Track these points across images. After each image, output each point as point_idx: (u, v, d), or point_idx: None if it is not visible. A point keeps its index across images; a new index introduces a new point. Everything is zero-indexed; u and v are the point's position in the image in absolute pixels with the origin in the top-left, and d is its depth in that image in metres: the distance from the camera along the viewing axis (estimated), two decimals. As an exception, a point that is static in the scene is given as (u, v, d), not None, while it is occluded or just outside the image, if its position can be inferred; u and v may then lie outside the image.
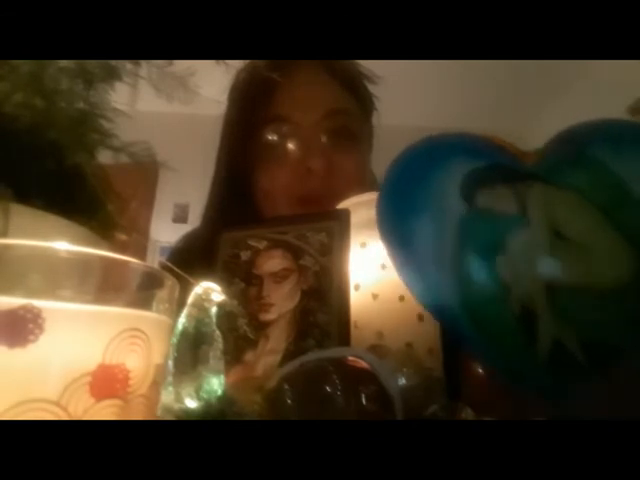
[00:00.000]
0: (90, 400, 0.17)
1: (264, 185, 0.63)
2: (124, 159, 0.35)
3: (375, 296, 0.44)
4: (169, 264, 0.31)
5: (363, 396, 0.27)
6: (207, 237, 0.57)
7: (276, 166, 0.61)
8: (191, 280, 0.36)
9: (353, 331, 0.41)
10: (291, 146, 0.59)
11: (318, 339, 0.40)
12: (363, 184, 0.59)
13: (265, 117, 0.59)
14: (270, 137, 0.60)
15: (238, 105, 0.64)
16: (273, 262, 0.45)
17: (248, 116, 0.61)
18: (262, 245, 0.47)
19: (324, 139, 0.60)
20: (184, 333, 0.36)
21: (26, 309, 0.16)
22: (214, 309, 0.38)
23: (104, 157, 0.34)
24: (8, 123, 0.28)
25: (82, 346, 0.17)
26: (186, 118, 2.12)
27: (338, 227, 0.45)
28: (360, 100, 0.64)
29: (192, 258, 0.48)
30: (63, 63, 0.32)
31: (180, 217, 2.49)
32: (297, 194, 0.60)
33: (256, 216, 0.63)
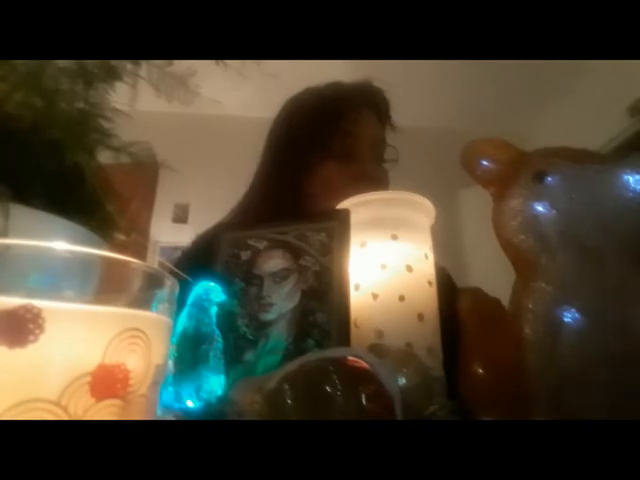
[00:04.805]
0: (90, 400, 0.17)
1: (321, 183, 0.75)
2: (124, 159, 0.35)
3: (375, 296, 0.44)
4: (169, 264, 0.31)
5: (363, 396, 0.27)
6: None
7: (336, 169, 0.75)
8: (190, 280, 0.36)
9: (353, 330, 0.41)
10: (352, 156, 0.76)
11: (318, 339, 0.40)
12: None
13: (338, 130, 0.76)
14: (338, 146, 0.76)
15: (317, 113, 0.78)
16: (273, 262, 0.45)
17: (327, 125, 0.76)
18: (262, 245, 0.47)
19: (375, 158, 0.79)
20: (184, 333, 0.36)
21: (26, 309, 0.16)
22: (214, 309, 0.39)
23: (104, 157, 0.34)
24: (8, 123, 0.28)
25: (82, 346, 0.17)
26: (186, 118, 2.13)
27: (338, 227, 0.45)
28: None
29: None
30: (63, 63, 0.32)
31: (180, 217, 2.48)
32: (350, 194, 0.68)
33: (305, 209, 0.74)
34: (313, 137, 0.77)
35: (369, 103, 0.81)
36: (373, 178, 0.74)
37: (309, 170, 0.76)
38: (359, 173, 0.74)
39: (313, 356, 0.32)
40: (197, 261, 0.50)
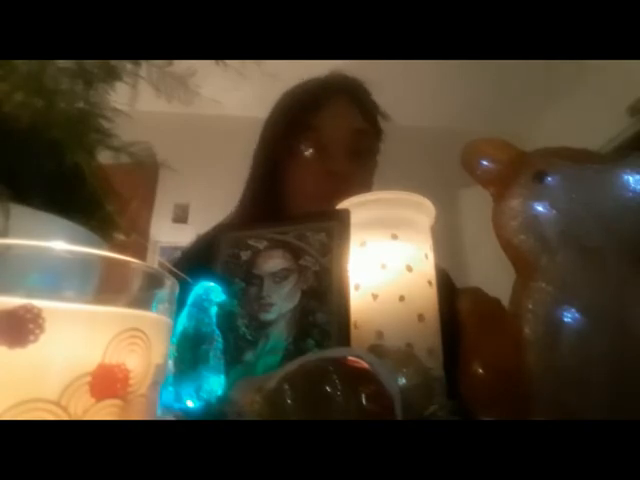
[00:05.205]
0: (90, 400, 0.17)
1: (293, 183, 0.74)
2: (124, 159, 0.35)
3: (375, 296, 0.44)
4: (168, 264, 0.31)
5: (363, 396, 0.27)
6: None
7: (304, 167, 0.74)
8: (189, 280, 0.36)
9: (353, 331, 0.41)
10: (318, 152, 0.73)
11: (318, 339, 0.40)
12: (367, 190, 0.72)
13: (305, 126, 0.73)
14: (303, 143, 0.73)
15: (283, 114, 0.77)
16: (273, 262, 0.45)
17: (291, 124, 0.74)
18: (262, 245, 0.47)
19: (345, 151, 0.74)
20: (184, 333, 0.36)
21: (26, 309, 0.16)
22: (214, 309, 0.39)
23: (104, 157, 0.34)
24: (8, 123, 0.28)
25: (82, 346, 0.17)
26: (186, 118, 2.13)
27: (338, 227, 0.45)
28: (373, 129, 0.80)
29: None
30: (63, 63, 0.32)
31: (180, 217, 2.48)
32: (318, 192, 0.70)
33: (284, 211, 0.74)
34: (280, 136, 0.75)
35: (341, 93, 0.77)
36: (339, 174, 0.71)
37: (282, 170, 0.75)
38: (325, 170, 0.71)
39: (313, 356, 0.32)
40: (197, 262, 0.50)
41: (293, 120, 0.74)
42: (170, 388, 0.34)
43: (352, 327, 0.41)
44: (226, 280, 0.45)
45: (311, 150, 0.73)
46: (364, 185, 0.75)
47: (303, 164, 0.74)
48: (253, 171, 0.80)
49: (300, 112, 0.74)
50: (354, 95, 0.78)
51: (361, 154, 0.76)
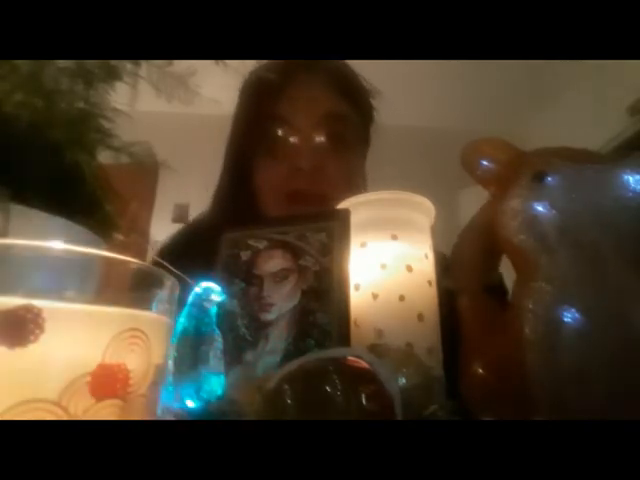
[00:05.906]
0: (90, 400, 0.17)
1: (259, 180, 0.67)
2: (124, 159, 0.35)
3: (375, 296, 0.44)
4: (166, 264, 0.31)
5: (363, 396, 0.27)
6: (211, 226, 0.60)
7: (270, 163, 0.65)
8: (188, 280, 0.36)
9: (353, 330, 0.41)
10: (285, 145, 0.63)
11: (318, 339, 0.40)
12: (350, 188, 0.61)
13: (266, 116, 0.64)
14: (268, 136, 0.64)
15: (245, 103, 0.68)
16: (273, 262, 0.45)
17: (252, 114, 0.65)
18: (262, 245, 0.47)
19: (317, 141, 0.64)
20: (184, 333, 0.36)
21: (26, 309, 0.16)
22: (214, 309, 0.39)
23: (104, 157, 0.34)
24: (8, 123, 0.28)
25: (82, 346, 0.17)
26: (186, 118, 2.12)
27: (338, 227, 0.45)
28: (358, 109, 0.68)
29: (194, 248, 0.49)
30: (63, 63, 0.32)
31: (180, 217, 2.48)
32: (285, 191, 0.64)
33: (255, 210, 0.67)
34: (245, 130, 0.67)
35: (309, 72, 0.65)
36: (310, 170, 0.61)
37: (252, 167, 0.67)
38: (293, 166, 0.62)
39: (313, 356, 0.32)
40: (178, 257, 0.48)
41: (255, 111, 0.64)
42: (170, 388, 0.34)
43: (352, 327, 0.41)
44: (226, 280, 0.45)
45: (278, 144, 0.63)
46: (347, 178, 0.66)
47: (272, 160, 0.64)
48: (223, 168, 0.73)
49: (262, 100, 0.63)
50: (327, 73, 0.65)
51: (339, 142, 0.65)
